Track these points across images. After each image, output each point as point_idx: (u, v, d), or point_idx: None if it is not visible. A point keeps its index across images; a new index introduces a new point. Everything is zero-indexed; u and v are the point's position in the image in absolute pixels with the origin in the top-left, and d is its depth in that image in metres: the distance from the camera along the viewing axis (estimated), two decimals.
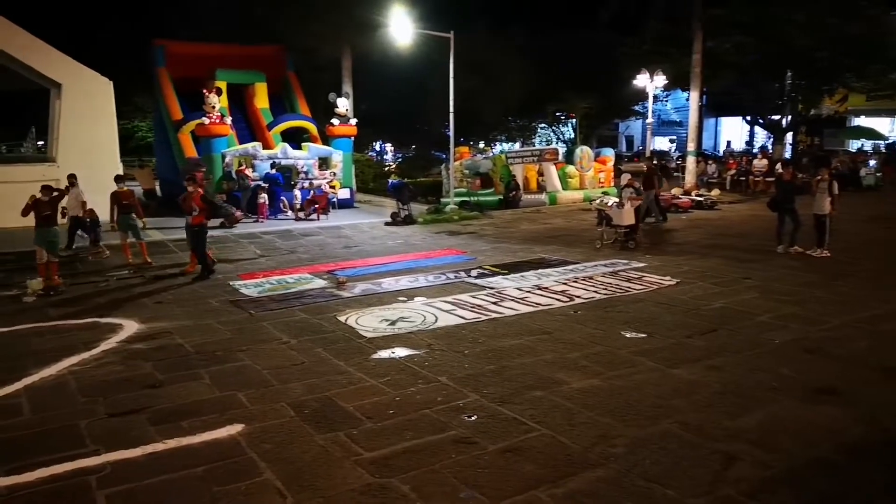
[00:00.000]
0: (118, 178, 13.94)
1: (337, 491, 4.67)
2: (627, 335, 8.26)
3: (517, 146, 40.26)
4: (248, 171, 20.32)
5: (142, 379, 7.05)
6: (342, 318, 9.20)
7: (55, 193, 11.78)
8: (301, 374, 7.04)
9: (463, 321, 8.99)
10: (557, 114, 41.85)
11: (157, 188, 24.16)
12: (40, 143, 31.22)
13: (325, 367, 7.28)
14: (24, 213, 11.47)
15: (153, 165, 27.54)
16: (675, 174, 32.07)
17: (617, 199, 15.21)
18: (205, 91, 20.44)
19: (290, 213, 20.22)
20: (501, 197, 22.77)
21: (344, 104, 23.52)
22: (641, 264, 12.61)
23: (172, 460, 5.17)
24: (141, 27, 30.60)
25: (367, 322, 9.02)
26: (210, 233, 14.45)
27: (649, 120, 28.47)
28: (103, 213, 14.27)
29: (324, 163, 22.38)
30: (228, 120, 20.95)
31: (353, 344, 8.09)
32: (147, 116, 38.34)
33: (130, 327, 9.06)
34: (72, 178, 14.86)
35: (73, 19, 32.82)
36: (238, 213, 19.06)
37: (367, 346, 8.00)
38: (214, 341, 8.32)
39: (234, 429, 5.69)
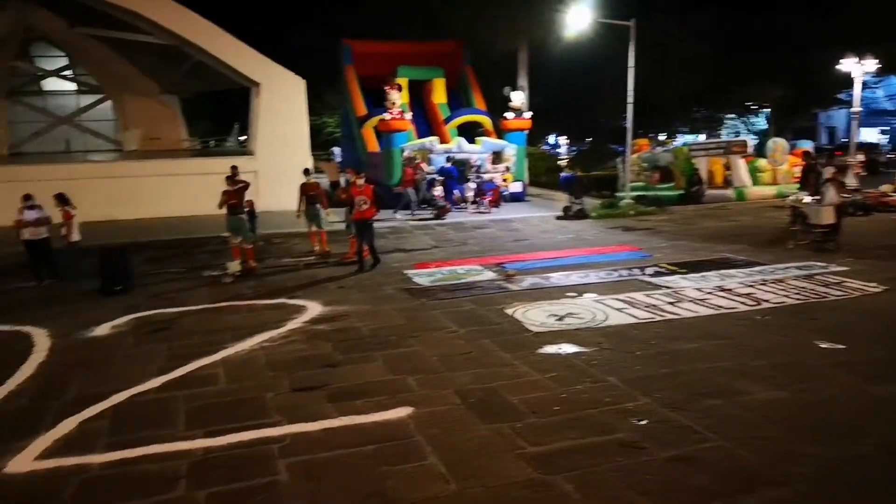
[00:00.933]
0: (306, 172, 14.84)
1: (499, 482, 4.66)
2: (822, 345, 7.48)
3: (701, 138, 38.09)
4: (424, 165, 20.97)
5: (322, 358, 7.51)
6: (509, 311, 9.20)
7: (241, 184, 12.85)
8: (468, 364, 7.13)
9: (635, 321, 8.63)
10: (748, 104, 39.04)
11: (342, 180, 25.65)
12: (242, 137, 34.44)
13: (491, 358, 7.31)
14: (220, 206, 12.65)
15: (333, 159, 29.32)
16: (886, 169, 28.66)
17: (811, 197, 13.82)
18: (386, 88, 21.36)
19: (467, 204, 20.59)
20: (682, 191, 21.65)
21: (518, 97, 23.54)
22: (842, 268, 11.37)
23: (345, 437, 5.44)
24: (330, 27, 32.68)
25: (535, 316, 8.94)
26: (392, 224, 15.08)
27: (855, 108, 25.66)
28: (294, 202, 15.26)
29: (497, 156, 22.55)
30: (408, 115, 21.73)
31: (520, 337, 8.06)
32: (335, 112, 40.86)
33: (314, 309, 9.68)
34: (234, 170, 16.09)
35: (268, 21, 35.72)
36: (448, 205, 19.65)
37: (534, 340, 7.93)
38: (388, 326, 8.67)
39: (404, 411, 5.88)
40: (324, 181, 24.92)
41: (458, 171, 21.26)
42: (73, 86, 30.76)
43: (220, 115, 40.50)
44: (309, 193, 14.31)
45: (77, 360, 7.72)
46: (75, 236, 11.86)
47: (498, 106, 25.47)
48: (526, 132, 23.75)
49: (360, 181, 12.54)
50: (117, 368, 7.41)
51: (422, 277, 11.69)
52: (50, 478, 4.92)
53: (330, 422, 5.72)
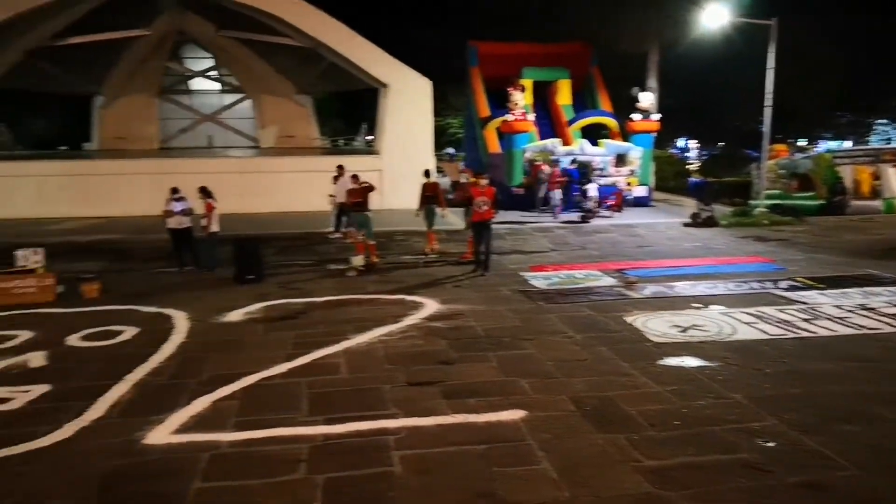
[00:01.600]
0: (426, 173, 14.98)
1: (613, 493, 4.55)
2: None
3: (846, 145, 35.42)
4: (545, 167, 20.79)
5: (438, 354, 7.62)
6: (629, 319, 8.94)
7: (364, 184, 13.26)
8: (583, 370, 7.00)
9: (765, 336, 8.15)
10: None
11: (462, 178, 25.86)
12: (369, 137, 35.58)
13: (609, 366, 7.14)
14: (345, 204, 13.17)
15: (461, 159, 29.60)
16: None
17: None
18: (509, 89, 21.36)
19: (590, 203, 20.21)
20: (823, 201, 20.23)
21: (647, 99, 22.85)
22: None
23: (458, 434, 5.49)
24: (456, 29, 33.20)
25: (656, 326, 8.64)
26: (509, 225, 15.07)
27: None
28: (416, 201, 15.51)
29: (621, 159, 22.00)
30: (531, 117, 21.63)
31: (640, 347, 7.81)
32: (459, 114, 41.37)
33: (431, 306, 9.84)
34: (340, 169, 16.57)
35: (396, 22, 36.62)
36: (596, 208, 19.47)
37: (654, 350, 7.66)
38: (503, 327, 8.66)
39: (516, 414, 5.85)
40: (445, 181, 25.31)
41: (579, 174, 20.92)
42: (217, 86, 33.01)
43: (349, 114, 42.03)
44: (426, 194, 14.53)
45: (212, 343, 8.25)
46: (214, 227, 12.67)
47: (625, 107, 24.84)
48: (653, 135, 23.01)
49: (483, 182, 12.57)
50: (248, 353, 7.85)
51: (538, 280, 11.60)
52: (184, 451, 5.29)
53: (443, 418, 5.79)
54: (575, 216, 19.37)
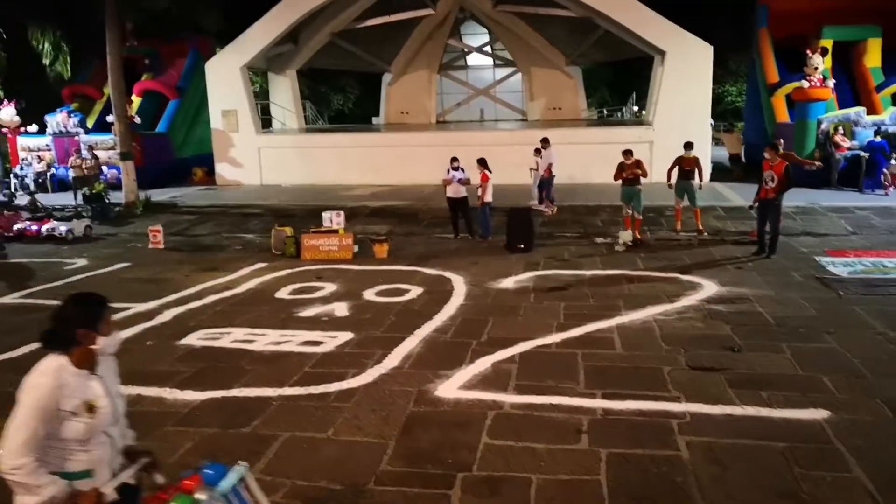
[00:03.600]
0: (687, 145, 13.79)
1: None
2: None
3: None
4: (844, 140, 18.32)
5: (721, 339, 7.15)
6: None
7: (635, 158, 12.71)
8: None
9: None
10: None
11: (742, 153, 23.83)
12: (635, 108, 34.37)
13: None
14: (615, 177, 12.78)
15: (741, 129, 27.30)
16: None
17: None
18: (808, 52, 19.05)
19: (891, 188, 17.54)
20: None
21: None
22: None
23: (750, 427, 5.10)
24: None
25: None
26: (798, 203, 13.64)
27: None
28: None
29: None
30: (831, 83, 19.12)
31: None
32: (738, 80, 38.16)
33: (710, 288, 9.25)
34: (544, 143, 15.98)
35: None
36: None
37: None
38: (797, 316, 7.85)
39: (818, 413, 5.27)
40: (721, 153, 23.59)
41: (889, 147, 18.08)
42: (490, 61, 34.16)
43: (615, 85, 40.98)
44: (684, 168, 13.48)
45: (488, 307, 8.64)
46: (488, 197, 13.16)
47: None
48: None
49: (769, 155, 11.37)
50: (522, 319, 8.08)
51: (837, 267, 10.30)
52: (472, 406, 5.61)
53: (732, 408, 5.41)
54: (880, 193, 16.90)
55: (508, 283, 9.89)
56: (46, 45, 22.60)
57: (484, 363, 6.56)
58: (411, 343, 7.23)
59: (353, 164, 21.87)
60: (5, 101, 22.46)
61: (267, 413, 5.58)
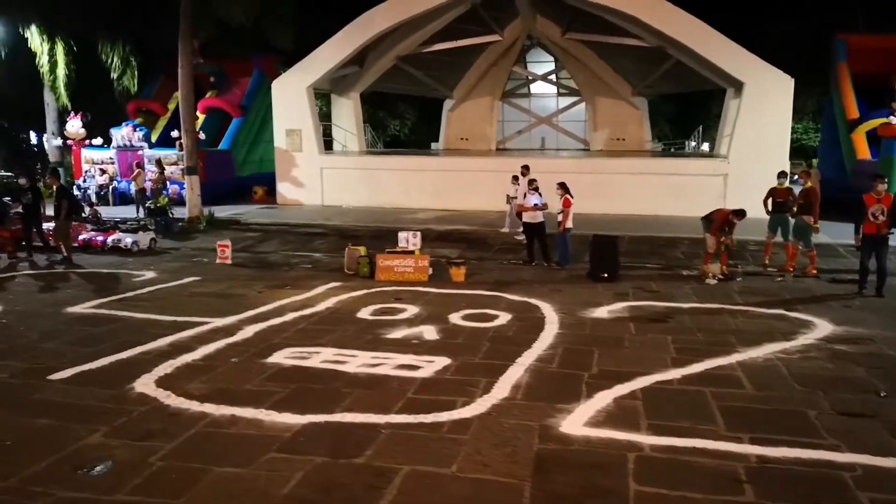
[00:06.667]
0: (781, 174, 13.12)
1: None
2: None
3: None
4: None
5: (857, 382, 6.48)
6: None
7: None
8: None
9: None
10: None
11: (818, 189, 22.84)
12: (694, 143, 33.57)
13: None
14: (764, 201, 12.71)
15: (814, 166, 26.30)
16: None
17: None
18: (894, 86, 18.24)
19: None
20: None
21: None
22: None
23: None
24: (809, 22, 29.67)
25: None
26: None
27: None
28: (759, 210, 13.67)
29: None
30: None
31: None
32: (804, 117, 37.10)
33: (824, 327, 8.53)
34: (525, 170, 15.52)
35: (745, 17, 33.35)
36: None
37: None
38: None
39: None
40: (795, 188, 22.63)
41: None
42: (553, 89, 33.78)
43: (680, 118, 40.23)
44: (777, 199, 12.78)
45: (589, 337, 8.05)
46: (569, 223, 12.62)
47: None
48: None
49: (882, 187, 10.68)
50: (629, 352, 7.48)
51: None
52: (606, 446, 5.02)
53: None
54: None
55: (602, 312, 9.29)
56: (115, 59, 22.89)
57: (604, 398, 5.97)
58: (516, 372, 6.68)
59: (415, 188, 21.55)
60: (72, 114, 22.88)
61: (378, 442, 5.08)
